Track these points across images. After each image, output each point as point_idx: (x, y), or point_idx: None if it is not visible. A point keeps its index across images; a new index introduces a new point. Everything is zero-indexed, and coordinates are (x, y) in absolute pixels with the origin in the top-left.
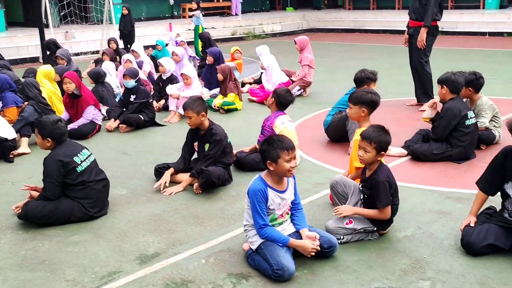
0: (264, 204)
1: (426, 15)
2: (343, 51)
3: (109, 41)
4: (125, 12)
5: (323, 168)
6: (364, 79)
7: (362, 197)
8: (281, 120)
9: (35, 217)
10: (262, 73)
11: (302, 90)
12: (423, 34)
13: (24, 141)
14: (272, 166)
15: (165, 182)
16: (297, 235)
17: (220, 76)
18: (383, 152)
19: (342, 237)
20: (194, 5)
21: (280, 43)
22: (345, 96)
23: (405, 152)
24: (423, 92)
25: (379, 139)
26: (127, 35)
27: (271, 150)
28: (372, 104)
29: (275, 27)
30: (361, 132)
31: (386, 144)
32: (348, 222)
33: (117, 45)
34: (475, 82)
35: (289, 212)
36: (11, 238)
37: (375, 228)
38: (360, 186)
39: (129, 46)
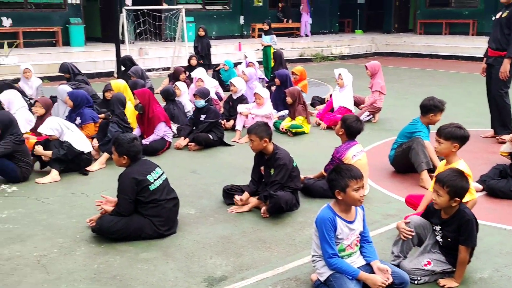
0: (333, 233)
1: (509, 45)
2: (413, 77)
3: (190, 58)
4: (202, 33)
5: (393, 199)
6: (431, 107)
7: (441, 241)
8: (352, 152)
9: (108, 231)
10: (330, 94)
11: (371, 116)
12: (506, 65)
13: (105, 157)
14: (340, 196)
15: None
16: (367, 268)
17: (289, 99)
18: (457, 198)
19: (419, 278)
20: (266, 26)
21: (348, 66)
22: (406, 127)
23: (480, 187)
24: (501, 124)
25: (453, 184)
26: (204, 57)
27: (339, 179)
28: (464, 139)
29: (343, 50)
30: (436, 174)
31: (461, 190)
32: (426, 263)
33: (198, 62)
34: None
35: (358, 244)
36: (85, 250)
37: (453, 269)
38: (439, 229)
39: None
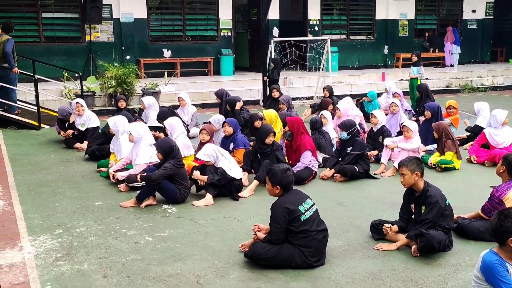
0: (508, 275)
1: None
2: None
3: (324, 88)
4: (272, 65)
5: None
6: None
7: None
8: None
9: (260, 258)
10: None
11: None
12: None
13: (254, 184)
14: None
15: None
16: None
17: (435, 134)
18: None
19: None
20: (414, 57)
21: (500, 98)
22: None
23: None
24: None
25: None
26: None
27: (510, 225)
28: None
29: (495, 80)
30: None
31: None
32: None
33: (330, 93)
34: None
35: None
36: (238, 274)
37: None
38: None
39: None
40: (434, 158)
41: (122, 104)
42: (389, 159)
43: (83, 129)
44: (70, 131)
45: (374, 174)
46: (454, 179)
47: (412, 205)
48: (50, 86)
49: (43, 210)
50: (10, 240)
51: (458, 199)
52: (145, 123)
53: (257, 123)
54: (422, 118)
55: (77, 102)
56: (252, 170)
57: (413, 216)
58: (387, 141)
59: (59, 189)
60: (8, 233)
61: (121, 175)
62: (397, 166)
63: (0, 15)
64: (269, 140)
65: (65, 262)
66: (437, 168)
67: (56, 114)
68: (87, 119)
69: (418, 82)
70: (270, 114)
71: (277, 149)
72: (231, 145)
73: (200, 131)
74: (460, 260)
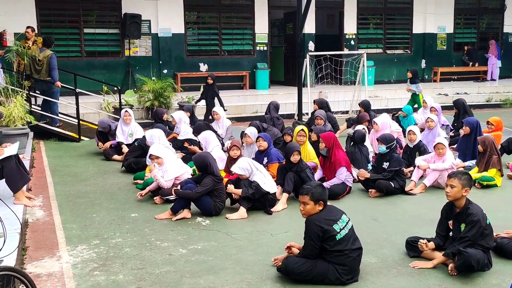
0: None
1: None
2: None
3: (359, 105)
4: (210, 81)
5: None
6: None
7: None
8: None
9: (293, 272)
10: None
11: None
12: None
13: (285, 196)
14: None
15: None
16: None
17: (480, 147)
18: None
19: None
20: (409, 74)
21: None
22: None
23: None
24: None
25: None
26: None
27: None
28: None
29: None
30: None
31: None
32: None
33: (365, 108)
34: None
35: None
36: None
37: None
38: None
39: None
40: (474, 175)
41: (166, 116)
42: (422, 176)
43: (131, 139)
44: (108, 144)
45: (406, 190)
46: (494, 196)
47: (451, 222)
48: (90, 100)
49: (81, 220)
50: (49, 249)
51: (498, 217)
52: (178, 135)
53: (287, 138)
54: (462, 132)
55: (126, 111)
56: None
57: (451, 233)
58: (418, 161)
59: (96, 200)
60: (47, 242)
61: (149, 189)
62: (427, 184)
63: (45, 30)
64: (293, 158)
65: (101, 272)
66: (476, 185)
67: (95, 127)
68: (134, 130)
69: (421, 97)
70: (306, 130)
71: (302, 170)
72: (265, 160)
73: (231, 147)
74: (499, 280)
